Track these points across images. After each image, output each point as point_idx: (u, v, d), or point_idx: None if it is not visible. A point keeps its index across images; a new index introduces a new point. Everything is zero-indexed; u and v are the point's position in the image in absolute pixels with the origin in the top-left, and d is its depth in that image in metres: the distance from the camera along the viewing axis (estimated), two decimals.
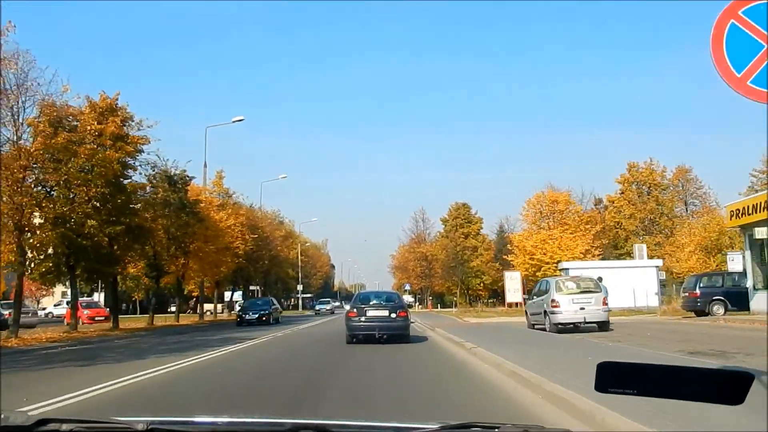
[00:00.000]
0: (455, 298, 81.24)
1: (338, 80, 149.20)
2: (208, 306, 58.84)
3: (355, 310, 15.11)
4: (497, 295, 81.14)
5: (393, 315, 14.73)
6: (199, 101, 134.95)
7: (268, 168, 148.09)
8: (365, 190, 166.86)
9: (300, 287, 74.67)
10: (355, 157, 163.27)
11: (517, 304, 44.28)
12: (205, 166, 37.15)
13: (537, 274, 45.09)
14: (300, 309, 77.83)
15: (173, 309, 70.08)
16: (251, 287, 59.86)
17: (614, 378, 1.36)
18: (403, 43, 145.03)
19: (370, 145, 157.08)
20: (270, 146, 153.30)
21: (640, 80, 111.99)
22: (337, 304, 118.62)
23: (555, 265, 43.81)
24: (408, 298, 77.45)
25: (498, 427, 1.39)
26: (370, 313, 14.77)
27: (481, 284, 73.91)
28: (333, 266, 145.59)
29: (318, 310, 54.34)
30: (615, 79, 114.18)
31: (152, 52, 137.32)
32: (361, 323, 14.64)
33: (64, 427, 1.48)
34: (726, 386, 1.25)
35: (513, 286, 42.97)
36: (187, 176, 30.40)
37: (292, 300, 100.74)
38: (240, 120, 37.93)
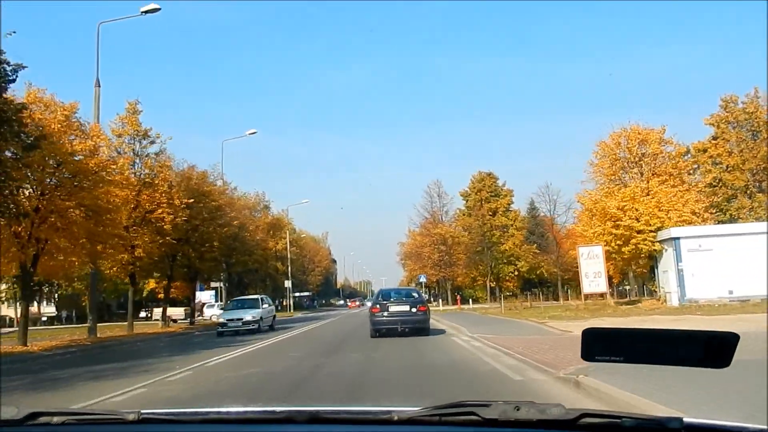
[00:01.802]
0: (475, 292, 66.30)
1: (342, 78, 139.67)
2: (174, 311, 44.49)
3: (378, 306, 15.59)
4: (532, 285, 66.00)
5: (413, 310, 15.30)
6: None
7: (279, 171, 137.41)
8: (368, 187, 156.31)
9: (288, 284, 59.70)
10: (359, 155, 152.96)
11: (601, 295, 29.54)
12: (98, 85, 22.52)
13: (623, 249, 30.26)
14: (291, 311, 63.33)
15: (143, 314, 55.59)
16: (212, 284, 45.52)
17: (600, 345, 1.31)
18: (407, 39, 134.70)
19: (372, 143, 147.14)
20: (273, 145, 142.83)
21: None
22: (341, 302, 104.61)
23: (652, 234, 29.00)
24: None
25: (489, 405, 1.33)
26: (392, 308, 15.33)
27: (515, 272, 58.76)
28: (334, 261, 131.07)
29: (223, 326, 21.46)
30: None
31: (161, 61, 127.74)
32: (384, 318, 15.13)
33: (56, 419, 1.45)
34: (711, 349, 1.21)
35: (592, 268, 27.86)
36: (7, 66, 15.49)
37: (285, 300, 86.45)
38: (153, 10, 23.16)
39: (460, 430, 1.36)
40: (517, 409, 1.28)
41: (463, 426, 1.34)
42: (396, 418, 1.37)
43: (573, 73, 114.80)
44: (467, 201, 62.09)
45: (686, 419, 1.21)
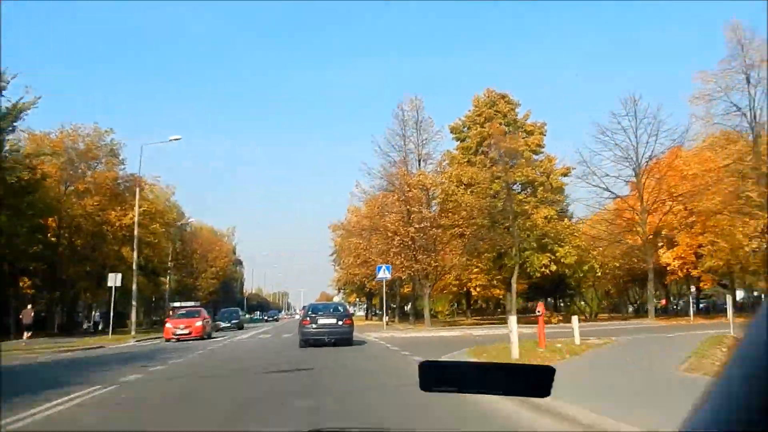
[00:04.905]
0: (435, 304, 38.96)
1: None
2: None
3: (308, 318, 17.45)
4: (562, 291, 39.30)
5: (340, 322, 17.43)
6: None
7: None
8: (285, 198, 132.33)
9: (113, 277, 29.21)
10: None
11: None
12: None
13: None
14: (131, 332, 33.68)
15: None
16: None
17: (435, 377, 1.36)
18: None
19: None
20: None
21: None
22: (262, 316, 72.70)
23: None
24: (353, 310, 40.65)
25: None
26: (321, 321, 17.29)
27: (551, 267, 31.74)
28: (241, 263, 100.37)
29: None
30: None
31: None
32: (313, 329, 17.04)
33: None
34: (531, 380, 1.28)
35: None
36: None
37: (167, 311, 55.24)
38: None
39: None
40: None
41: None
42: None
43: None
44: (463, 140, 34.96)
45: None
